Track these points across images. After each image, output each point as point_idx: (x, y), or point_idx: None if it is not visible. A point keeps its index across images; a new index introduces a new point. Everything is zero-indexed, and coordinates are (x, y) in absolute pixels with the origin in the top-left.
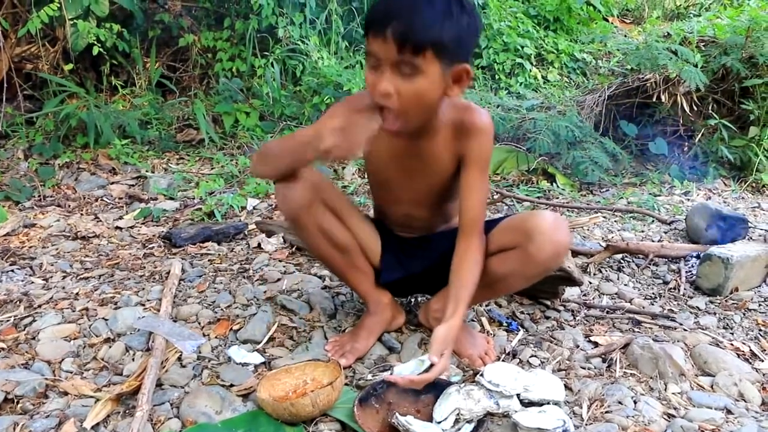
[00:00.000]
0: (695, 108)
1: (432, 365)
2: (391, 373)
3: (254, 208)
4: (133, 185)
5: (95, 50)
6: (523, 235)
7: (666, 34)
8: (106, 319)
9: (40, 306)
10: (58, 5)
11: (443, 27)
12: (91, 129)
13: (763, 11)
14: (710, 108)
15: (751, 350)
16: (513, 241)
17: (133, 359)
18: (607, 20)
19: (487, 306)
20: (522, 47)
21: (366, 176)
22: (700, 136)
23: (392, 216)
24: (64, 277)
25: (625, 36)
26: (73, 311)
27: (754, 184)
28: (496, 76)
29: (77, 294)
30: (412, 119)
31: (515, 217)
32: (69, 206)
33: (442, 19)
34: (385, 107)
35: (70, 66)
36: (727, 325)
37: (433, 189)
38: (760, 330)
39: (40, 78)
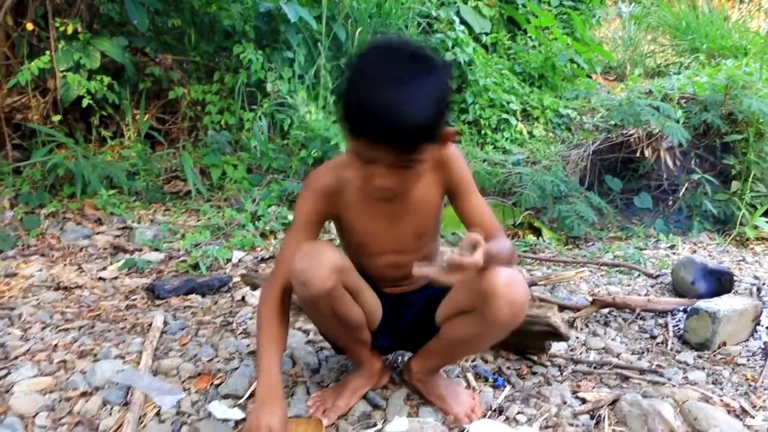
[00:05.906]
0: (678, 163)
1: None
2: None
3: (240, 260)
4: (118, 236)
5: (85, 102)
6: (478, 298)
7: (648, 91)
8: (84, 372)
9: (16, 358)
10: (50, 58)
11: (429, 113)
12: (79, 179)
13: (739, 70)
14: (693, 162)
15: (741, 406)
16: (469, 303)
17: (110, 414)
18: (591, 77)
19: (472, 362)
20: (508, 103)
21: (339, 236)
22: (683, 190)
23: (376, 271)
24: (44, 328)
25: (608, 92)
26: (51, 363)
27: (738, 238)
28: (483, 131)
29: (56, 346)
30: (410, 192)
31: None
32: (53, 256)
33: (424, 104)
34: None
35: (59, 117)
36: (716, 380)
37: (418, 231)
38: (750, 385)
39: (30, 128)
